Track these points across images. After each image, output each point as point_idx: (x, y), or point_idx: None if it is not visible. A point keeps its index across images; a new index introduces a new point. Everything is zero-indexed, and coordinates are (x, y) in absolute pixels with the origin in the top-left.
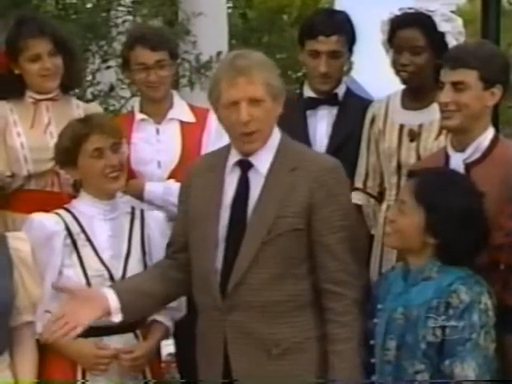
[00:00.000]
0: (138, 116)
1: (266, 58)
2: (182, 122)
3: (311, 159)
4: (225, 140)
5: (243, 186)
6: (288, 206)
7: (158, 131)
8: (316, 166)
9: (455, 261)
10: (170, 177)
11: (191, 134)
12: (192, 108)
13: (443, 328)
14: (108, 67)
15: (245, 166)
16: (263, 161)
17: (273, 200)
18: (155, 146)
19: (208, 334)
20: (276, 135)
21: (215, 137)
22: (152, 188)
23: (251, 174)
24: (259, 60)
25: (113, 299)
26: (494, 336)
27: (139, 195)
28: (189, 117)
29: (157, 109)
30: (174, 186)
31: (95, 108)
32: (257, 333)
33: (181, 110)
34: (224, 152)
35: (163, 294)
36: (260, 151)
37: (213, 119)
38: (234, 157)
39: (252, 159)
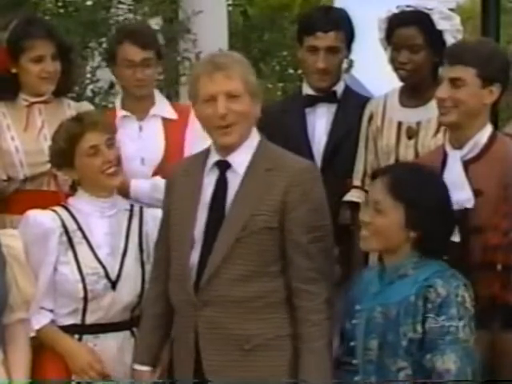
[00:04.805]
0: (121, 113)
1: (244, 59)
2: (164, 119)
3: (287, 160)
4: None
5: (221, 186)
6: (263, 205)
7: (140, 128)
8: (291, 166)
9: (434, 252)
10: (154, 174)
11: (174, 130)
12: (173, 105)
13: (423, 323)
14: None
15: (223, 166)
16: (241, 161)
17: (249, 198)
18: (138, 143)
19: (181, 331)
20: (255, 137)
21: (200, 133)
22: (138, 185)
23: (229, 174)
24: (237, 58)
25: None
26: (474, 328)
27: (124, 193)
28: (171, 113)
29: (139, 106)
30: (161, 183)
31: (86, 107)
32: (229, 328)
33: (163, 107)
34: (203, 154)
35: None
36: (238, 151)
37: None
38: (213, 158)
39: (230, 159)
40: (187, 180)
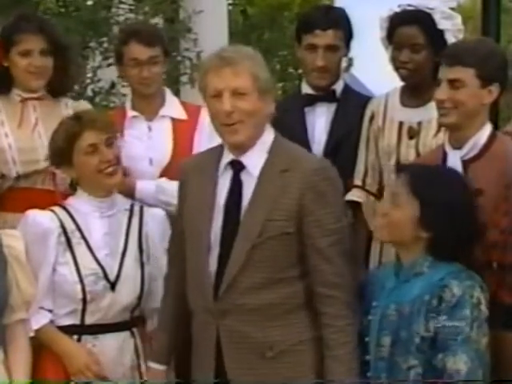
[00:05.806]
0: (130, 113)
1: (256, 53)
2: (173, 119)
3: (301, 160)
4: (218, 138)
5: (236, 188)
6: (278, 209)
7: (149, 128)
8: (305, 167)
9: (447, 255)
10: (162, 174)
11: (183, 131)
12: (184, 105)
13: (435, 322)
14: (109, 64)
15: (237, 166)
16: (255, 162)
17: (263, 203)
18: (146, 143)
19: (200, 337)
20: (269, 135)
21: (209, 135)
22: (144, 186)
23: (243, 175)
24: (248, 53)
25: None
26: (487, 330)
27: (130, 193)
28: (180, 114)
29: (148, 106)
30: (167, 185)
31: (84, 106)
32: (250, 336)
33: (172, 107)
34: (216, 152)
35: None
36: (251, 151)
37: (205, 116)
38: (227, 157)
39: (243, 160)
40: (201, 178)
